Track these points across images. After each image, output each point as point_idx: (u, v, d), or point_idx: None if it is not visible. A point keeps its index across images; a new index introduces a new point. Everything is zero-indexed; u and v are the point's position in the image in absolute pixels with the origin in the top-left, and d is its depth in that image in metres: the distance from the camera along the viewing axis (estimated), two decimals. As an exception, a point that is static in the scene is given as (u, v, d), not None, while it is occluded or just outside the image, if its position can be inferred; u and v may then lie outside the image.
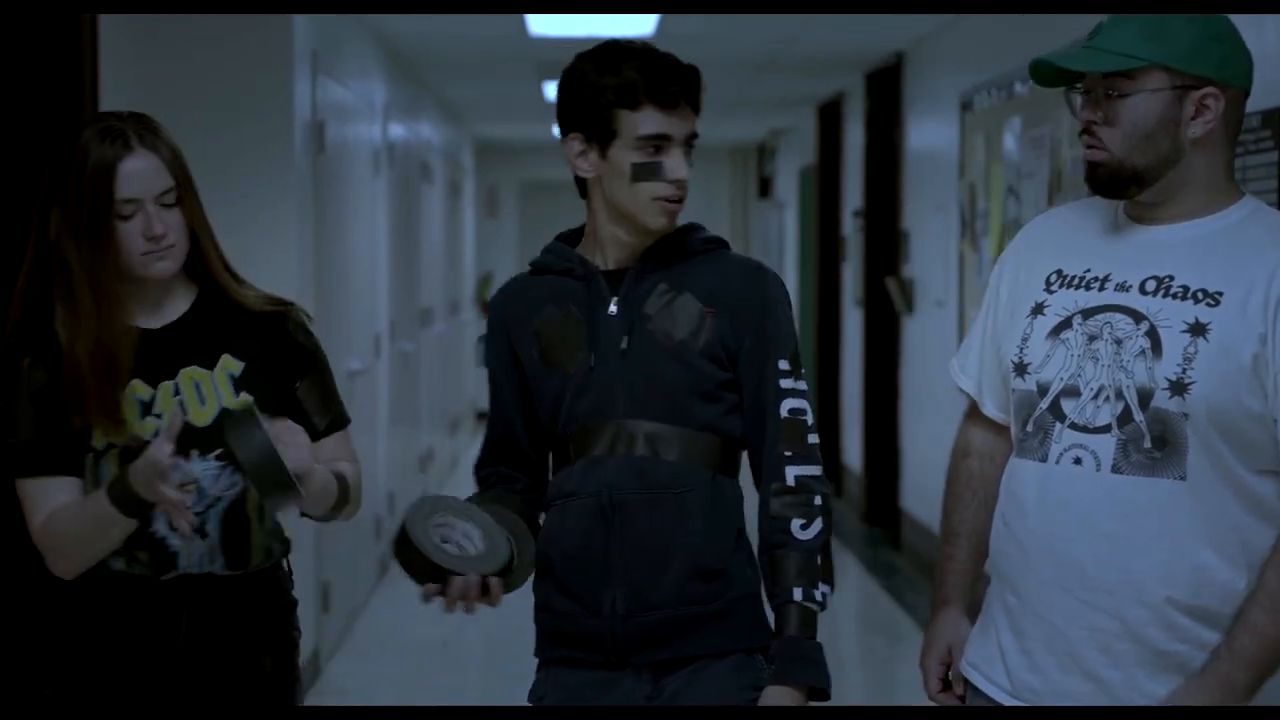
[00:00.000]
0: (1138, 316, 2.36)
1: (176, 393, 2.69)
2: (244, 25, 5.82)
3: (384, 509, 8.26)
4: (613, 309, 2.64)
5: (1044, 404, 2.41)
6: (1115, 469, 2.34)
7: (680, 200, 2.61)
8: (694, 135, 2.62)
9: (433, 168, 10.77)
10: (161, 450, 2.53)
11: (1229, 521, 2.33)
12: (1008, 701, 2.49)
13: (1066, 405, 2.39)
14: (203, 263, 2.74)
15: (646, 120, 2.56)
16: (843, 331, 11.01)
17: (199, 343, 2.73)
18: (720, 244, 2.71)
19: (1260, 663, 2.33)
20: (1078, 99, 2.42)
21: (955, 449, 2.68)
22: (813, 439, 2.65)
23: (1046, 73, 2.44)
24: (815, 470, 2.64)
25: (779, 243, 14.31)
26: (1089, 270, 2.43)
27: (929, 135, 8.49)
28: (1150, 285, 2.37)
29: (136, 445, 2.62)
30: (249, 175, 5.89)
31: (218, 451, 2.66)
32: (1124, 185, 2.39)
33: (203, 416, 2.69)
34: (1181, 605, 2.34)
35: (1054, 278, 2.48)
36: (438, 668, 6.56)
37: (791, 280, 13.34)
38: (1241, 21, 2.56)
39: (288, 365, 2.78)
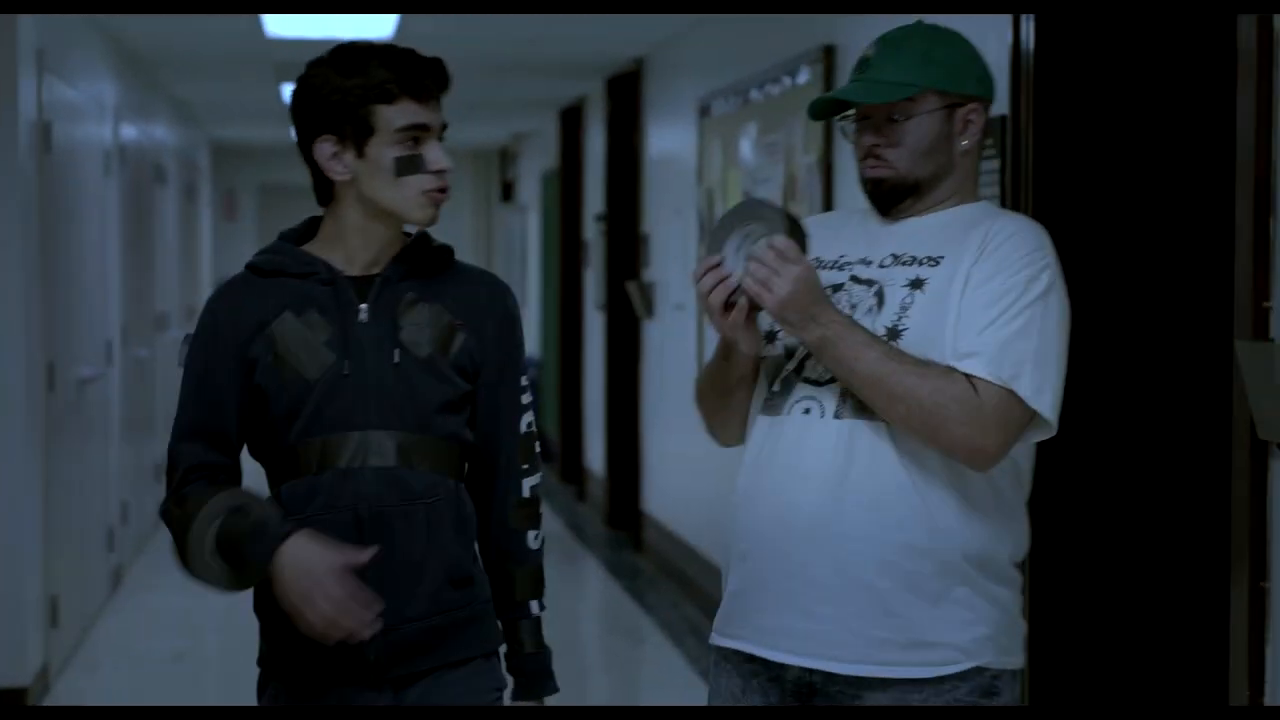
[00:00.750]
0: (870, 283, 2.60)
1: None
2: (-35, 21, 5.64)
3: (117, 520, 8.06)
4: (363, 316, 2.60)
5: (790, 365, 2.62)
6: (836, 415, 2.55)
7: (445, 191, 2.60)
8: (445, 125, 2.63)
9: (167, 169, 10.54)
10: None
11: (939, 457, 2.50)
12: (728, 644, 2.63)
13: (808, 364, 2.60)
14: None
15: (404, 113, 2.55)
16: (585, 335, 11.06)
17: None
18: (450, 250, 2.71)
19: (856, 358, 2.47)
20: (850, 127, 2.64)
21: None
22: (538, 448, 2.78)
23: (821, 108, 2.66)
24: (539, 480, 2.77)
25: (522, 246, 14.32)
26: (843, 256, 2.65)
27: (668, 140, 8.58)
28: (888, 260, 2.61)
29: None
30: (-29, 176, 5.71)
31: None
32: (905, 195, 2.62)
33: None
34: (892, 540, 2.50)
35: (813, 264, 2.64)
36: (172, 680, 6.42)
37: (534, 284, 13.36)
38: (965, 33, 2.66)
39: None
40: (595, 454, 10.44)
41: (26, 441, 5.88)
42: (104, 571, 7.71)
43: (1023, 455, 2.58)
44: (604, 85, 9.88)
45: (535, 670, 2.72)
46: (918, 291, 2.53)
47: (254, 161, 16.35)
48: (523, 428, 2.71)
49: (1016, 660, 2.59)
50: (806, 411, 2.56)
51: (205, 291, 14.11)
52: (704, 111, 7.51)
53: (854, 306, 2.56)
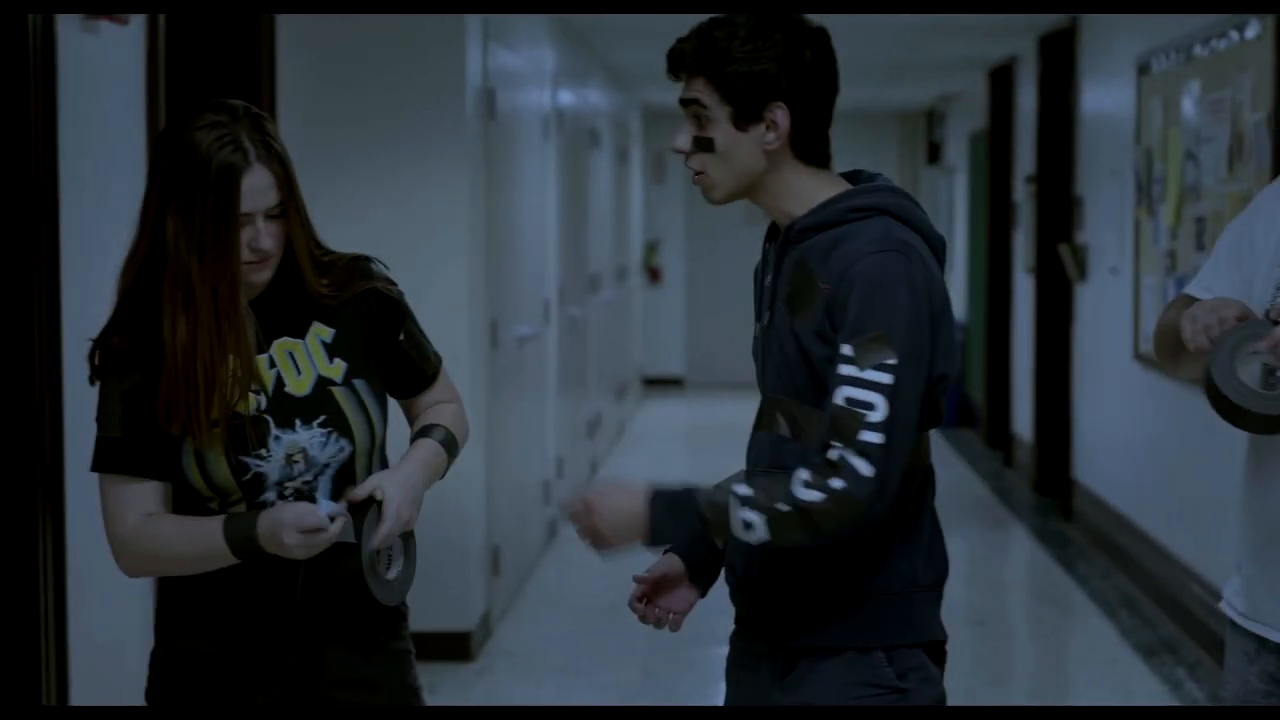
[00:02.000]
0: None
1: (272, 365, 2.68)
2: (417, -6, 5.89)
3: (552, 474, 8.33)
4: (768, 279, 2.62)
5: None
6: None
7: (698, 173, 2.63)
8: (692, 100, 2.62)
9: (601, 134, 10.81)
10: (296, 530, 2.55)
11: None
12: (1241, 623, 2.73)
13: None
14: (290, 250, 2.69)
15: None
16: (1014, 299, 10.87)
17: (287, 313, 2.70)
18: (869, 212, 2.52)
19: None
20: None
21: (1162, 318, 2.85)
22: (871, 437, 2.38)
23: None
24: (863, 469, 2.39)
25: (949, 209, 14.16)
26: None
27: (1104, 99, 8.35)
28: None
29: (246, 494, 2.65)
30: (422, 142, 5.96)
31: (321, 419, 2.67)
32: None
33: (301, 386, 2.69)
34: None
35: None
36: (605, 631, 6.60)
37: (961, 247, 13.20)
38: None
39: (382, 321, 2.75)
40: (1023, 420, 10.26)
41: (471, 397, 6.12)
42: (541, 523, 7.98)
43: None
44: (1036, 43, 9.67)
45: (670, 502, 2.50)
46: None
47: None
48: (838, 400, 2.44)
49: None
50: None
51: (635, 253, 14.41)
52: (1143, 69, 7.27)
53: None
